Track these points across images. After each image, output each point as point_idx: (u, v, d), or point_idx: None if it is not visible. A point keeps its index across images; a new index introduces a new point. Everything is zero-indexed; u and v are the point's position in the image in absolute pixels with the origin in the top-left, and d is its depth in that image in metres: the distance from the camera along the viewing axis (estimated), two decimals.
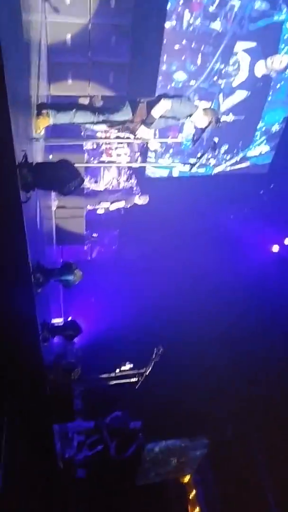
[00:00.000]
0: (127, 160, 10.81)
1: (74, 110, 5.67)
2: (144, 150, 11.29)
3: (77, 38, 9.43)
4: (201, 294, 11.92)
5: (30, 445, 6.40)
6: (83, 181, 4.73)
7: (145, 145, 11.09)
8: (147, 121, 5.79)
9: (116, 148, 10.92)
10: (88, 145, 10.63)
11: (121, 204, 10.30)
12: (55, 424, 7.95)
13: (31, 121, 5.44)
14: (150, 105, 5.76)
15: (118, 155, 10.92)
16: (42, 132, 5.98)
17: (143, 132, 5.91)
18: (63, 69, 9.50)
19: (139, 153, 11.12)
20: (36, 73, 6.16)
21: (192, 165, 6.57)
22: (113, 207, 10.39)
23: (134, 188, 11.28)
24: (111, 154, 10.90)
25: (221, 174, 13.26)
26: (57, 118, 5.63)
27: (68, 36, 9.38)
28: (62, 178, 4.56)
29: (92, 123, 5.85)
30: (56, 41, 9.23)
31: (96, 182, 11.10)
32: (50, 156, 7.71)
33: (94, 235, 11.78)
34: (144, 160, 11.52)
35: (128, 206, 10.68)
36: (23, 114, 4.67)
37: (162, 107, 5.67)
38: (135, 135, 6.05)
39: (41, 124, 5.58)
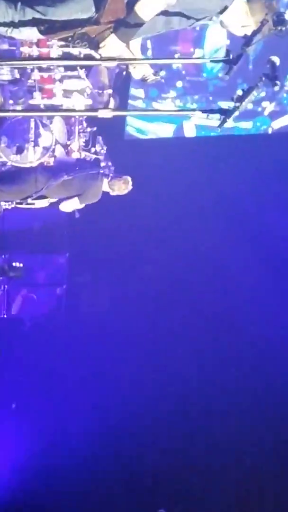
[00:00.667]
0: (85, 103, 7.17)
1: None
2: (120, 83, 7.89)
3: None
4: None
5: None
6: None
7: (122, 72, 7.68)
8: (127, 25, 4.36)
9: (61, 78, 7.21)
10: (4, 73, 7.15)
11: (74, 203, 7.14)
12: None
13: None
14: None
15: (66, 94, 7.27)
16: None
17: (116, 45, 4.40)
18: None
19: (110, 91, 7.50)
20: None
21: (227, 114, 4.04)
22: (64, 207, 7.24)
23: (102, 163, 7.87)
24: (53, 91, 7.21)
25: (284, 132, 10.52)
26: None
27: None
28: None
29: (10, 25, 4.52)
30: None
31: (19, 151, 7.33)
32: None
33: (16, 266, 7.98)
34: (122, 104, 8.39)
35: (89, 202, 7.36)
36: None
37: None
38: (100, 53, 4.52)
39: None
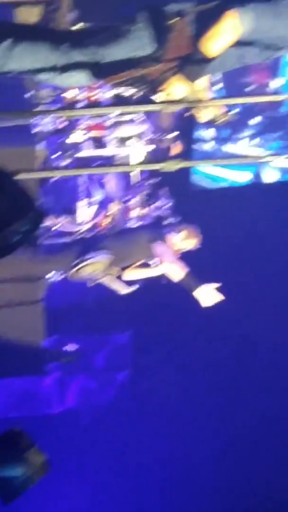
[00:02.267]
0: (145, 151, 6.81)
1: (10, 41, 4.01)
2: (184, 124, 7.25)
3: None
4: None
5: None
6: (42, 216, 3.11)
7: (186, 114, 6.25)
8: (193, 63, 4.01)
9: (115, 124, 6.82)
10: (47, 121, 6.75)
11: (144, 272, 6.61)
12: None
13: None
14: (200, 23, 3.94)
15: (121, 142, 6.86)
16: None
17: (182, 87, 4.00)
18: None
19: (173, 134, 6.99)
20: None
21: None
22: (128, 275, 6.62)
23: (165, 221, 7.09)
24: (105, 140, 6.78)
25: None
26: None
27: None
28: None
29: (54, 70, 4.18)
30: None
31: (68, 212, 6.94)
32: None
33: (71, 350, 7.33)
34: (187, 153, 7.97)
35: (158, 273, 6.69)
36: None
37: (231, 27, 3.79)
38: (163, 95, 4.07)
39: None
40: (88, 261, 5.93)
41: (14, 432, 3.74)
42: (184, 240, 6.18)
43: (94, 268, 6.06)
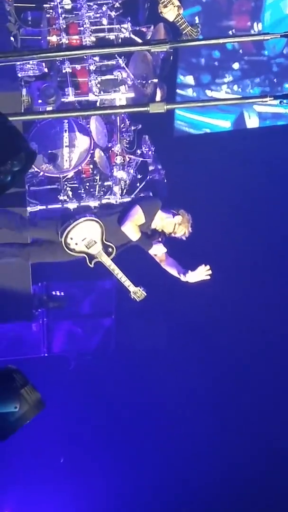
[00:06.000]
0: (127, 97, 7.41)
1: None
2: (166, 70, 7.66)
3: None
4: None
5: None
6: (33, 156, 3.07)
7: (169, 57, 7.69)
8: None
9: (97, 70, 7.44)
10: (30, 67, 7.37)
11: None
12: None
13: None
14: None
15: (103, 87, 7.42)
16: None
17: None
18: None
19: (155, 80, 7.29)
20: None
21: None
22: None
23: (150, 166, 7.89)
24: (88, 85, 7.39)
25: None
26: None
27: None
28: None
29: None
30: None
31: (52, 159, 7.41)
32: None
33: (57, 295, 7.97)
34: (170, 95, 8.35)
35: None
36: None
37: None
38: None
39: None
40: (75, 223, 6.23)
41: (10, 369, 3.92)
42: (178, 224, 6.59)
43: (87, 233, 6.38)
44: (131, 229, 6.32)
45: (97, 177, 7.62)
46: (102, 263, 6.38)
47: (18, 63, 6.79)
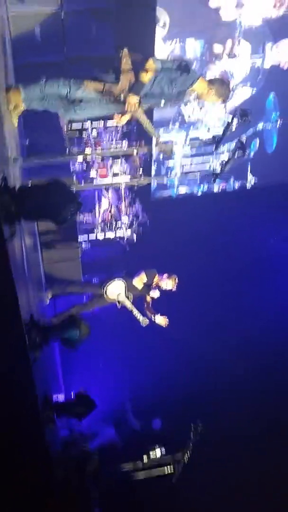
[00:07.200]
0: (126, 179, 11.09)
1: (43, 80, 6.50)
2: (147, 164, 11.49)
3: (47, 31, 9.60)
4: (248, 347, 11.82)
5: None
6: (81, 204, 4.89)
7: (147, 158, 11.54)
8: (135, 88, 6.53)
9: (112, 165, 11.20)
10: (76, 167, 10.99)
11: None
12: None
13: (4, 139, 5.64)
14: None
15: (115, 174, 11.18)
16: (16, 124, 6.70)
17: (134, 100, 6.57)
18: (33, 71, 8.58)
19: (141, 170, 11.29)
20: (3, 79, 6.49)
21: (216, 175, 6.98)
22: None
23: (140, 215, 11.74)
24: (107, 174, 11.13)
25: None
26: (27, 90, 6.45)
27: (37, 30, 9.59)
28: (55, 203, 4.67)
29: (67, 94, 6.62)
30: (22, 38, 9.35)
31: (90, 211, 11.41)
32: (30, 182, 7.68)
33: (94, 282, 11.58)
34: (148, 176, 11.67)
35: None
36: None
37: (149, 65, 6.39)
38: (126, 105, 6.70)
39: (12, 98, 6.34)
40: (110, 281, 8.76)
41: (73, 315, 7.36)
42: (166, 280, 9.07)
43: (117, 288, 8.79)
44: (137, 282, 8.74)
45: (113, 221, 11.47)
46: (125, 305, 8.66)
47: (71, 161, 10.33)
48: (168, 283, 8.92)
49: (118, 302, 8.59)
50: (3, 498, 5.47)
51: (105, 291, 8.47)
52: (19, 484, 5.62)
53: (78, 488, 6.86)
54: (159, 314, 8.68)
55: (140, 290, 8.83)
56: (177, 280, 8.94)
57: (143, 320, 8.54)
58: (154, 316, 8.62)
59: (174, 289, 8.92)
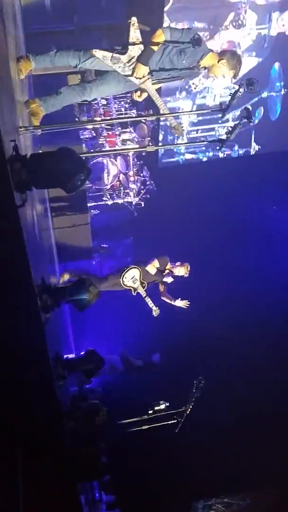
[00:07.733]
0: (135, 146, 11.34)
1: (54, 51, 6.46)
2: (154, 132, 11.78)
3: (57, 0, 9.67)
4: (248, 309, 12.14)
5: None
6: (90, 172, 4.83)
7: (155, 126, 11.87)
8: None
9: (119, 133, 11.38)
10: (85, 135, 11.14)
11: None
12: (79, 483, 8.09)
13: (15, 108, 5.59)
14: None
15: (123, 142, 11.34)
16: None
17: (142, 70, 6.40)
18: (43, 40, 9.46)
19: (149, 138, 11.52)
20: (14, 49, 6.36)
21: (222, 142, 6.59)
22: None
23: (148, 182, 11.88)
24: (115, 142, 11.30)
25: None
26: (38, 60, 6.42)
27: None
28: (65, 171, 4.64)
29: (77, 65, 6.55)
30: (32, 6, 9.44)
31: (99, 179, 11.45)
32: (40, 150, 7.86)
33: (104, 246, 12.10)
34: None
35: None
36: (6, 99, 4.71)
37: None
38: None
39: (23, 67, 6.28)
40: (127, 268, 8.71)
41: (83, 278, 6.57)
42: (179, 268, 9.08)
43: (133, 276, 8.71)
44: (151, 267, 8.75)
45: (121, 188, 11.61)
46: (139, 292, 8.65)
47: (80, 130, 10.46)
48: (181, 270, 9.01)
49: (134, 289, 8.68)
50: (21, 448, 5.75)
51: (122, 279, 8.54)
52: (34, 437, 5.84)
53: (87, 439, 7.21)
54: (179, 299, 8.82)
55: (153, 276, 8.94)
56: (189, 268, 9.04)
57: (155, 310, 8.78)
58: (173, 301, 8.77)
59: (186, 275, 9.04)
